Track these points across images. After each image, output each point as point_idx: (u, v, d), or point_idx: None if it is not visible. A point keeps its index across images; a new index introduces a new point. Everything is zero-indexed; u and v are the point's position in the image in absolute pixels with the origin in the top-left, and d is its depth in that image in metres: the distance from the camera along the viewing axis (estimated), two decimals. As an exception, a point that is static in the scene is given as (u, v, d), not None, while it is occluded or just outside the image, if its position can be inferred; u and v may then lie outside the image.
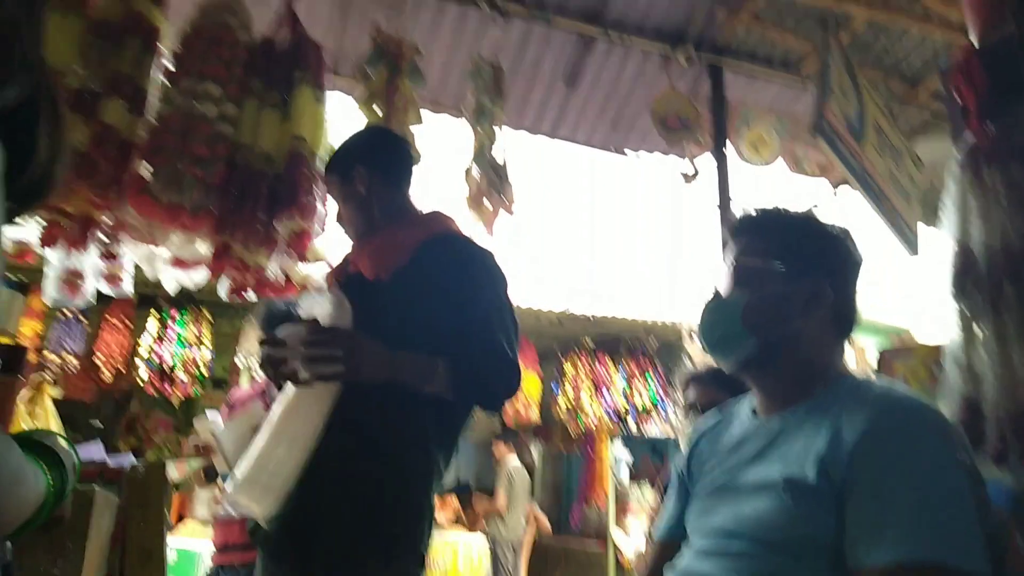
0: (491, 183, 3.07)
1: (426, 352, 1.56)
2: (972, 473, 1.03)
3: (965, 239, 1.62)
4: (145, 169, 2.49)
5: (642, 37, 3.50)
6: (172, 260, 2.73)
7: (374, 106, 3.00)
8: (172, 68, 2.60)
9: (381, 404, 1.55)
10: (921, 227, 3.64)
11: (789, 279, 1.21)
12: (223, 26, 2.64)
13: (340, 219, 1.90)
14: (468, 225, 3.08)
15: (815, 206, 1.31)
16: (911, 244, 3.56)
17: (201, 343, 6.04)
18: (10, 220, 0.75)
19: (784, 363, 1.22)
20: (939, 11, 2.98)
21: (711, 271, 1.36)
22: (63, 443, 0.85)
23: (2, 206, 0.68)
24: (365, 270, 1.73)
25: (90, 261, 2.69)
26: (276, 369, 1.50)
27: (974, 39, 1.77)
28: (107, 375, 5.77)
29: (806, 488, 1.05)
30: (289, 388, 1.56)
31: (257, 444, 1.52)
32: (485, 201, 3.08)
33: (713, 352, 1.29)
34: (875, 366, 2.21)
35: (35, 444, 0.82)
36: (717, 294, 1.28)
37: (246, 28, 2.72)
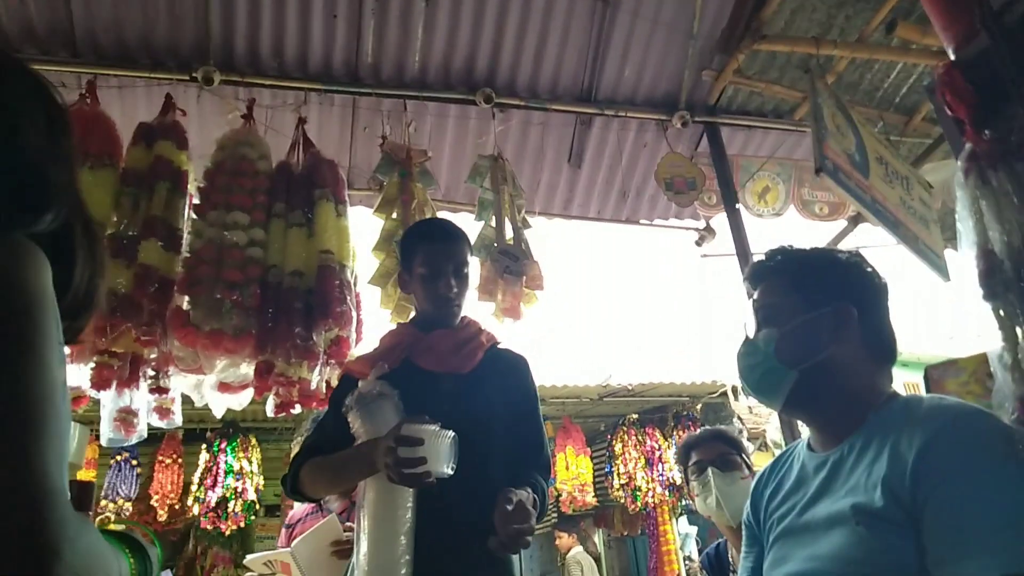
0: (506, 269, 3.11)
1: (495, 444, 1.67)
2: None
3: (984, 243, 1.63)
4: (185, 301, 2.60)
5: (636, 109, 3.65)
6: (218, 386, 2.81)
7: (393, 214, 3.12)
8: (200, 203, 2.76)
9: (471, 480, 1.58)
10: (948, 252, 3.62)
11: (812, 308, 1.24)
12: (242, 158, 2.81)
13: (453, 309, 1.87)
14: (487, 314, 3.13)
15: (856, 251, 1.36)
16: (941, 270, 3.54)
17: (251, 472, 6.07)
18: (68, 338, 0.81)
19: (828, 392, 1.22)
20: (915, 40, 3.07)
21: (740, 324, 1.39)
22: (143, 536, 0.89)
23: (57, 320, 0.73)
24: (436, 363, 1.79)
25: (141, 397, 2.77)
26: (407, 470, 1.41)
27: (951, 55, 1.84)
28: (162, 515, 5.79)
29: (877, 514, 1.03)
30: (375, 488, 1.53)
31: (362, 553, 1.49)
32: (500, 287, 3.11)
33: (758, 394, 1.31)
34: (924, 388, 2.18)
35: (115, 534, 0.86)
36: (748, 338, 1.31)
37: (265, 157, 2.90)
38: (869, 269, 1.31)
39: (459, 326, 1.88)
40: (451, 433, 1.47)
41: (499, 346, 1.93)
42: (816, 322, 1.23)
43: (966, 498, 0.97)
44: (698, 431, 2.50)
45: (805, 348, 1.22)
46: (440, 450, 1.44)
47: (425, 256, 1.84)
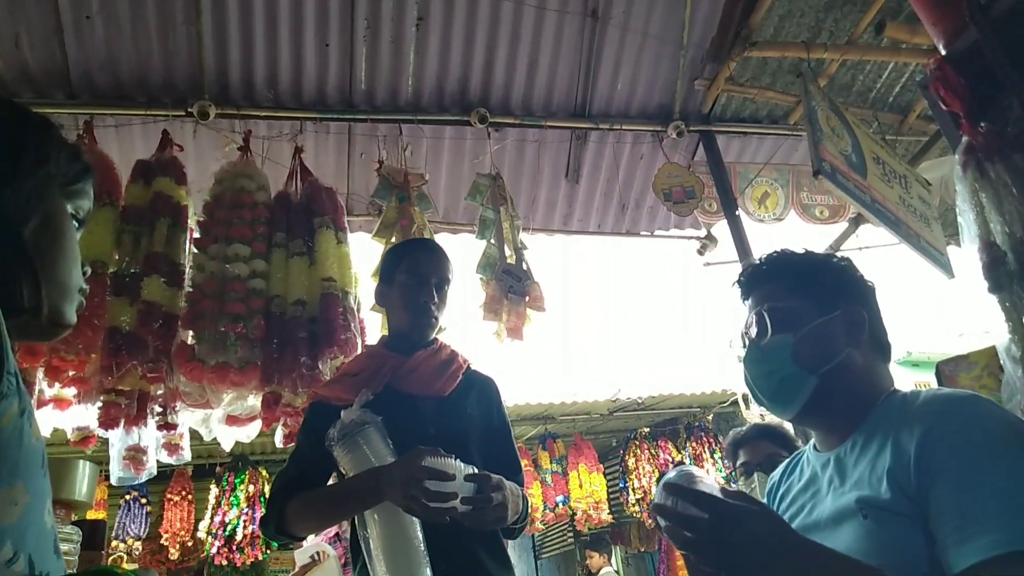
0: (510, 289, 3.11)
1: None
2: None
3: (986, 235, 1.63)
4: (190, 336, 2.60)
5: (630, 121, 3.66)
6: (226, 419, 2.79)
7: (393, 238, 3.12)
8: (200, 237, 2.76)
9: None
10: (951, 249, 3.61)
11: (824, 312, 1.22)
12: (241, 190, 2.82)
13: (431, 322, 1.83)
14: (488, 335, 3.12)
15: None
16: (944, 266, 3.52)
17: (262, 503, 6.03)
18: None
19: (841, 394, 1.21)
20: (905, 39, 3.08)
21: (736, 331, 1.37)
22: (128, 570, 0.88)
23: None
24: (418, 386, 1.76)
25: (149, 434, 2.76)
26: (435, 504, 1.36)
27: (942, 50, 1.84)
28: (174, 553, 5.75)
29: (884, 507, 1.03)
30: (383, 521, 1.49)
31: None
32: (505, 307, 3.11)
33: (772, 401, 1.27)
34: (937, 384, 2.16)
35: (100, 572, 0.85)
36: (755, 344, 1.27)
37: (263, 188, 2.90)
38: (860, 272, 1.31)
39: (436, 347, 1.86)
40: (472, 468, 1.45)
41: (472, 368, 1.92)
42: (831, 325, 1.21)
43: (967, 479, 0.96)
44: (746, 427, 2.42)
45: (823, 352, 1.20)
46: (465, 484, 1.42)
47: (409, 264, 1.83)
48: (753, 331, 1.28)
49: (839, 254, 1.35)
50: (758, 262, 1.35)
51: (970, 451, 0.98)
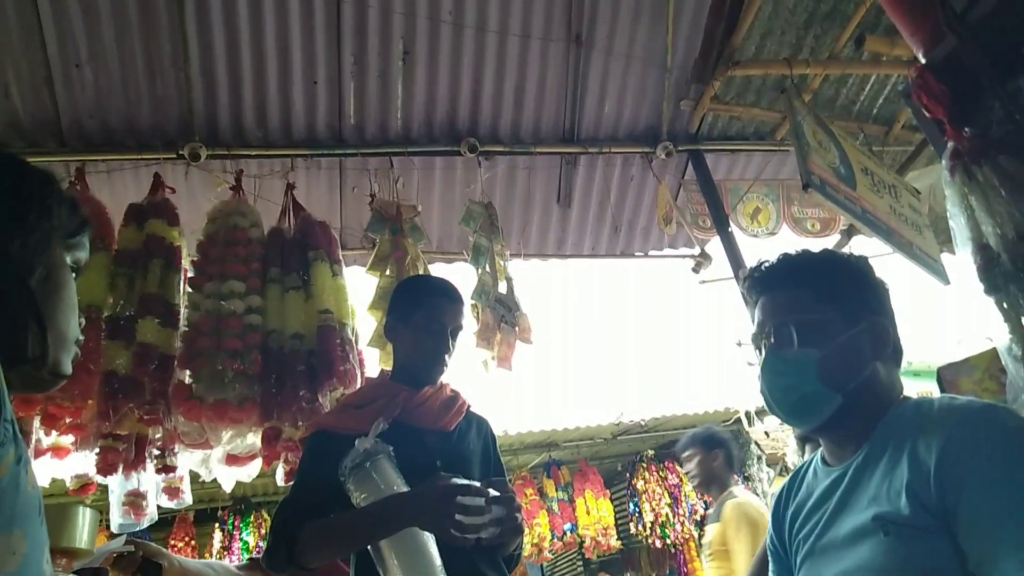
0: (502, 318, 3.12)
1: None
2: None
3: (979, 237, 1.63)
4: (187, 376, 2.59)
5: (619, 144, 3.69)
6: (226, 458, 2.77)
7: (387, 271, 3.12)
8: (195, 276, 2.76)
9: None
10: (944, 256, 3.62)
11: (848, 325, 1.18)
12: (234, 227, 2.83)
13: (443, 369, 1.86)
14: (479, 363, 3.11)
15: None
16: (939, 273, 3.52)
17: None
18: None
19: (860, 408, 1.17)
20: (885, 51, 3.12)
21: (744, 343, 1.35)
22: None
23: None
24: (426, 420, 1.77)
25: (149, 479, 2.73)
26: (470, 520, 1.38)
27: (922, 58, 1.86)
28: (180, 601, 5.64)
29: (905, 523, 1.00)
30: (403, 548, 1.45)
31: None
32: (498, 336, 3.10)
33: (792, 416, 1.23)
34: (939, 390, 2.15)
35: None
36: (776, 356, 1.21)
37: (256, 225, 2.91)
38: (876, 274, 1.27)
39: (439, 384, 1.87)
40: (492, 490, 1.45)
41: (470, 408, 1.94)
42: (856, 340, 1.17)
43: (994, 495, 0.94)
44: None
45: (849, 369, 1.16)
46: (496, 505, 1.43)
47: (430, 311, 1.82)
48: (773, 340, 1.22)
49: (853, 254, 1.31)
50: (775, 261, 1.29)
51: (993, 465, 0.96)
